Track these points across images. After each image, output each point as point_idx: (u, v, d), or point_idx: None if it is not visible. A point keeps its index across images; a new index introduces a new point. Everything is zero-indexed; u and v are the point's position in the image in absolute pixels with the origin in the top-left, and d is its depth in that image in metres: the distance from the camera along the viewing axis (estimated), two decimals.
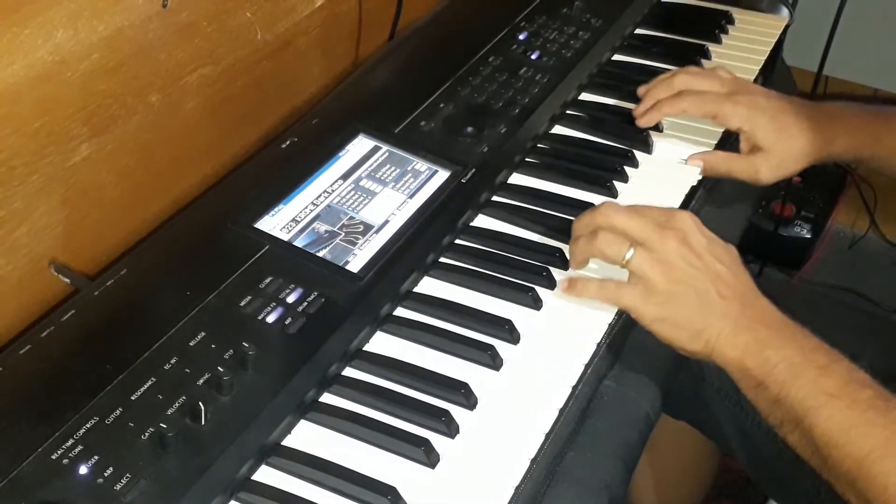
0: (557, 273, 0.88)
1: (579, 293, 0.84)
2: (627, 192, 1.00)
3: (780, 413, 0.76)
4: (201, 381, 0.72)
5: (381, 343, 0.82)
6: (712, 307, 0.78)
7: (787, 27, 1.32)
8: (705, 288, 0.79)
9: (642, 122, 1.06)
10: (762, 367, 0.76)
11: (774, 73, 1.25)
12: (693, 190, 1.02)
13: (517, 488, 0.71)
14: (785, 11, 1.37)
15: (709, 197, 1.07)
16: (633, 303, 0.80)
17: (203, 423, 0.69)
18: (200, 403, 0.69)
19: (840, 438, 0.72)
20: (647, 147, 1.06)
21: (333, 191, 0.93)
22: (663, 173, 1.03)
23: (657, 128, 1.08)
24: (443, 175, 0.96)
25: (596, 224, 0.82)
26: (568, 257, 0.87)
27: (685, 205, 1.00)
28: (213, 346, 0.75)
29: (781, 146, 1.00)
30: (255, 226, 0.87)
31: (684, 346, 0.80)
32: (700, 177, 1.03)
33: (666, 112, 1.05)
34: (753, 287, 0.82)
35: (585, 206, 0.90)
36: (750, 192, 1.15)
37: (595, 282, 0.83)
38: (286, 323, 0.78)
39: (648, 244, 0.80)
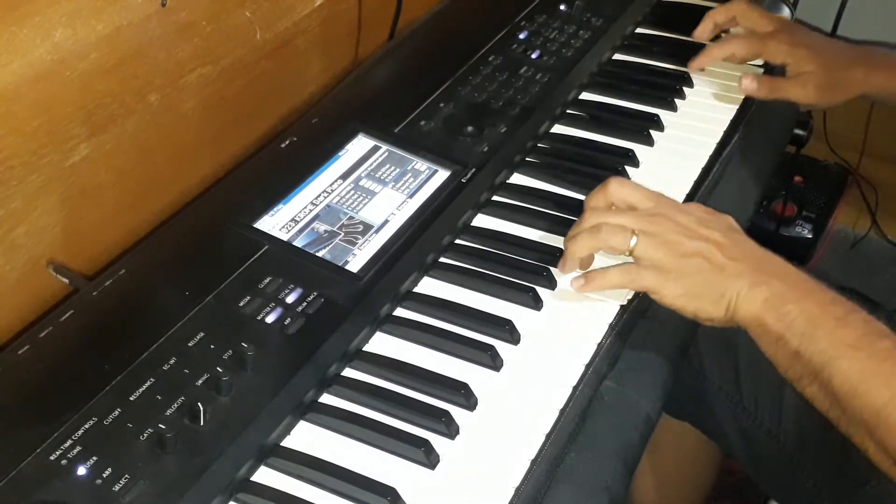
0: (558, 273, 0.88)
1: (601, 285, 0.84)
2: None
3: (799, 366, 0.77)
4: (200, 381, 0.72)
5: (381, 343, 0.82)
6: (725, 271, 0.80)
7: None
8: (712, 255, 0.80)
9: (694, 65, 1.17)
10: (781, 320, 0.77)
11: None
12: (694, 188, 1.02)
13: (517, 489, 0.71)
14: (786, 10, 1.37)
15: (710, 196, 1.06)
16: (653, 283, 0.81)
17: (202, 423, 0.69)
18: (199, 404, 0.69)
19: (859, 387, 0.73)
20: (649, 145, 1.06)
21: (333, 190, 0.92)
22: (665, 173, 1.03)
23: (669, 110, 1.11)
24: (443, 175, 0.96)
25: (590, 224, 0.83)
26: (560, 262, 0.87)
27: (687, 203, 1.00)
28: (212, 346, 0.75)
29: (826, 68, 1.09)
30: (255, 226, 0.87)
31: (710, 314, 0.81)
32: (703, 165, 1.04)
33: (716, 55, 1.15)
34: (757, 246, 0.83)
35: None
36: (751, 192, 1.14)
37: (614, 269, 0.83)
38: (285, 323, 0.78)
39: (646, 230, 0.81)
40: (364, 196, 0.92)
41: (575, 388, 0.79)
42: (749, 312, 0.79)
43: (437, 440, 0.72)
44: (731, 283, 0.79)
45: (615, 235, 0.82)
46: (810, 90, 1.09)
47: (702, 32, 1.19)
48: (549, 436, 0.75)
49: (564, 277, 0.87)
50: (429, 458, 0.71)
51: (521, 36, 1.18)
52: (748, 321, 0.79)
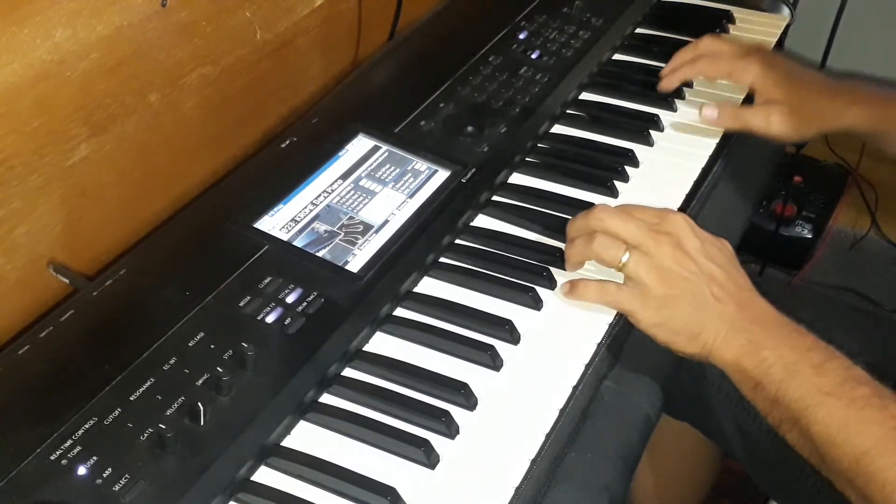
0: (558, 273, 0.88)
1: (580, 295, 0.84)
2: (628, 192, 1.00)
3: (778, 412, 0.76)
4: (200, 381, 0.72)
5: (381, 343, 0.82)
6: (708, 310, 0.79)
7: (787, 27, 1.32)
8: (700, 291, 0.79)
9: (663, 86, 1.11)
10: (759, 367, 0.76)
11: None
12: (694, 188, 1.02)
13: (517, 489, 0.71)
14: (786, 11, 1.37)
15: (709, 196, 1.07)
16: (631, 307, 0.80)
17: (202, 423, 0.69)
18: (199, 404, 0.69)
19: (838, 436, 0.72)
20: (649, 145, 1.06)
21: (333, 190, 0.92)
22: (664, 173, 1.03)
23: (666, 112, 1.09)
24: (443, 175, 0.96)
25: (590, 227, 0.82)
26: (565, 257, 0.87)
27: (687, 203, 1.00)
28: (212, 346, 0.75)
29: (794, 99, 1.01)
30: (255, 226, 0.87)
31: (682, 349, 0.80)
32: (704, 165, 1.04)
33: (684, 74, 1.10)
34: (749, 286, 0.82)
35: (586, 206, 0.89)
36: (751, 192, 1.14)
37: (595, 284, 0.83)
38: (286, 323, 0.78)
39: (643, 248, 0.80)
40: (364, 196, 0.92)
41: (575, 388, 0.79)
42: (726, 357, 0.78)
43: (437, 440, 0.73)
44: (711, 324, 0.78)
45: (608, 249, 0.81)
46: (773, 121, 1.01)
47: (667, 82, 1.12)
48: (549, 436, 0.75)
49: (564, 278, 0.88)
50: (429, 458, 0.71)
51: (521, 36, 1.18)
52: (725, 365, 0.78)
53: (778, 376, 0.75)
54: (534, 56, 1.15)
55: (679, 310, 0.79)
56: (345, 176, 0.94)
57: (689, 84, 1.17)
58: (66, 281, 0.84)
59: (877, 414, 0.72)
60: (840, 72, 1.08)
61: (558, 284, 0.87)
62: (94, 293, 0.79)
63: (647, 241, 0.80)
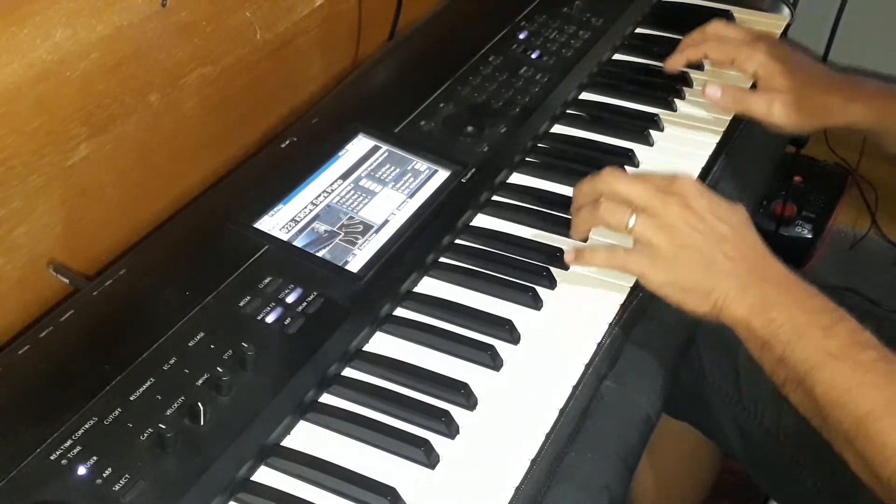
0: (557, 273, 0.88)
1: (587, 262, 0.84)
2: None
3: (783, 372, 0.76)
4: (200, 381, 0.72)
5: (381, 343, 0.82)
6: (718, 268, 0.79)
7: (787, 26, 1.32)
8: (710, 250, 0.79)
9: (668, 65, 1.10)
10: (767, 326, 0.76)
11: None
12: None
13: (517, 489, 0.71)
14: (786, 10, 1.37)
15: None
16: (640, 269, 0.81)
17: (202, 423, 0.69)
18: (199, 404, 0.69)
19: (840, 398, 0.72)
20: (649, 145, 1.06)
21: (333, 190, 0.92)
22: (664, 173, 1.03)
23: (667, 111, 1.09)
24: (443, 175, 0.96)
25: (597, 191, 0.82)
26: (570, 235, 0.87)
27: None
28: (212, 346, 0.75)
29: (797, 91, 1.00)
30: (255, 226, 0.87)
31: (693, 308, 0.80)
32: (703, 165, 1.03)
33: (689, 56, 1.08)
34: (760, 245, 0.82)
35: None
36: (751, 192, 1.14)
37: (602, 249, 0.83)
38: (285, 323, 0.78)
39: (651, 210, 0.80)
40: (364, 196, 0.92)
41: (575, 388, 0.79)
42: (736, 315, 0.78)
43: (437, 440, 0.73)
44: (721, 282, 0.78)
45: (613, 213, 0.80)
46: (775, 108, 1.01)
47: (673, 61, 1.11)
48: (549, 436, 0.75)
49: (565, 277, 0.88)
50: (429, 458, 0.71)
51: (521, 36, 1.18)
52: (734, 322, 0.79)
53: (785, 337, 0.75)
54: (534, 56, 1.15)
55: (688, 269, 0.79)
56: (345, 176, 0.94)
57: (689, 83, 1.17)
58: (66, 281, 0.84)
59: (880, 378, 0.72)
60: (844, 67, 1.07)
61: (558, 284, 0.87)
62: (94, 293, 0.79)
63: (654, 201, 0.80)
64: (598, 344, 0.83)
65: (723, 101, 1.04)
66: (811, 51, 1.24)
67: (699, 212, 0.80)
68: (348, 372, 0.79)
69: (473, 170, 0.96)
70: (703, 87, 1.04)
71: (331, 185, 0.93)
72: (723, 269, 0.79)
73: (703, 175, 1.04)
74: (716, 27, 1.08)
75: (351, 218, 0.90)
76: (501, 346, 0.80)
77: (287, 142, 0.97)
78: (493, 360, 0.79)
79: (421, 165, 0.97)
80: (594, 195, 0.83)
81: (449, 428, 0.73)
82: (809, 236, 1.92)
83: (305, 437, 0.74)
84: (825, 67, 1.05)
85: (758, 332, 0.77)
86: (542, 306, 0.85)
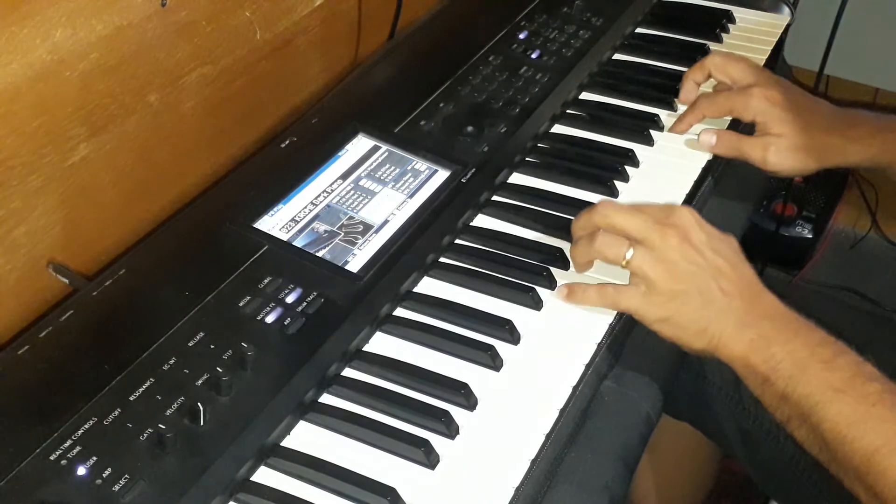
0: (558, 273, 0.88)
1: (579, 300, 0.83)
2: (628, 192, 1.00)
3: (787, 409, 0.76)
4: (200, 381, 0.72)
5: (381, 343, 0.82)
6: (715, 305, 0.78)
7: (788, 26, 1.32)
8: (707, 285, 0.78)
9: (673, 131, 1.08)
10: (767, 362, 0.76)
11: (775, 73, 1.25)
12: (694, 188, 1.02)
13: (517, 489, 0.71)
14: (786, 10, 1.37)
15: (710, 196, 1.07)
16: (633, 305, 0.80)
17: (202, 423, 0.69)
18: (199, 404, 0.69)
19: (848, 433, 0.72)
20: (649, 145, 1.06)
21: (333, 190, 0.92)
22: (665, 173, 1.03)
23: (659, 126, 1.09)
24: (443, 175, 0.96)
25: (594, 224, 0.82)
26: (570, 258, 0.87)
27: (687, 202, 1.00)
28: (211, 346, 0.75)
29: (794, 135, 1.00)
30: (254, 226, 0.87)
31: (688, 344, 0.79)
32: (704, 165, 1.03)
33: (690, 122, 1.07)
34: (756, 280, 0.81)
35: (586, 205, 0.89)
36: (751, 192, 1.14)
37: (593, 287, 0.82)
38: (285, 323, 0.78)
39: (648, 243, 0.79)
40: (364, 196, 0.92)
41: (575, 388, 0.79)
42: (734, 352, 0.77)
43: (437, 440, 0.72)
44: (718, 320, 0.77)
45: (610, 247, 0.80)
46: (770, 155, 1.00)
47: (685, 96, 1.10)
48: (549, 436, 0.75)
49: (564, 278, 0.88)
50: (429, 458, 0.71)
51: (521, 36, 1.18)
52: (732, 360, 0.78)
53: (787, 372, 0.75)
54: (534, 56, 1.15)
55: (685, 305, 0.78)
56: (345, 176, 0.94)
57: None
58: (66, 281, 0.84)
59: (888, 411, 0.72)
60: (841, 103, 1.05)
61: (558, 284, 0.87)
62: (94, 293, 0.79)
63: (652, 234, 0.79)
64: (598, 344, 0.82)
65: (718, 148, 1.03)
66: (804, 69, 1.22)
67: (698, 246, 0.79)
68: (348, 372, 0.79)
69: (473, 170, 0.96)
70: (698, 135, 1.04)
71: (331, 185, 0.93)
72: (720, 306, 0.78)
73: (704, 175, 1.04)
74: (713, 61, 1.07)
75: (351, 218, 0.90)
76: (501, 347, 0.80)
77: (287, 142, 0.97)
78: (493, 361, 0.79)
79: (421, 165, 0.97)
80: (591, 228, 0.82)
81: (449, 428, 0.73)
82: (810, 236, 1.92)
83: (305, 437, 0.73)
84: (823, 104, 1.04)
85: (758, 368, 0.76)
86: (542, 306, 0.85)
